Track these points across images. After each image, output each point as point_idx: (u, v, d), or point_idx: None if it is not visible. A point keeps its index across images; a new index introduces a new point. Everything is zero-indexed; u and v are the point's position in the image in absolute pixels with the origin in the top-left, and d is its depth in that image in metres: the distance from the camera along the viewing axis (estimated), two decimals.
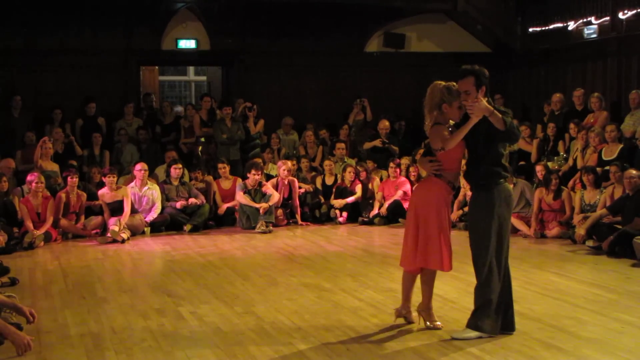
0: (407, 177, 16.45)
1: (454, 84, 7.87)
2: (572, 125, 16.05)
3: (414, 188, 8.69)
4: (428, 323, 8.20)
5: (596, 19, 18.24)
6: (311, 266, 11.97)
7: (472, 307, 9.19)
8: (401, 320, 8.28)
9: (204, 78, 25.22)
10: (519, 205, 14.60)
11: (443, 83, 7.99)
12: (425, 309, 8.25)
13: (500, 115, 7.47)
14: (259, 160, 16.63)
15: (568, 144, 16.14)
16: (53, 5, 18.18)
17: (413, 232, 8.12)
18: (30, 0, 17.92)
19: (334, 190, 16.55)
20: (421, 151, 15.84)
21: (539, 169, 15.05)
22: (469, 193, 15.41)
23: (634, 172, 12.74)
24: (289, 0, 19.16)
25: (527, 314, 8.78)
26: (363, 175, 16.57)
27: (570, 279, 10.81)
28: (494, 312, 7.82)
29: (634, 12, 17.16)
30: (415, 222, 8.08)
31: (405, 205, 16.05)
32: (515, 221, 14.43)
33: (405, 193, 16.14)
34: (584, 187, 13.96)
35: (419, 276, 8.28)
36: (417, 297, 8.31)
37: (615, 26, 17.74)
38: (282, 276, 11.21)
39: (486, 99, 7.70)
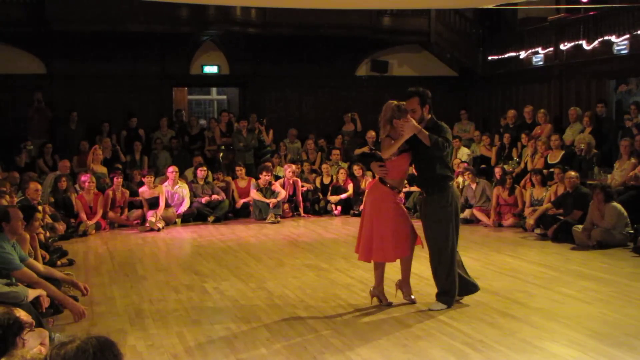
0: None
1: (404, 103, 7.86)
2: (523, 136, 16.05)
3: (366, 190, 8.55)
4: (404, 297, 8.17)
5: (542, 49, 18.27)
6: (312, 250, 11.99)
7: None
8: (376, 301, 8.18)
9: (224, 97, 25.16)
10: (481, 200, 14.60)
11: (395, 102, 7.93)
12: (404, 285, 8.20)
13: (426, 133, 7.48)
14: (269, 164, 16.64)
15: (520, 151, 16.15)
16: (103, 39, 18.18)
17: (367, 227, 8.03)
18: (84, 35, 17.91)
19: (330, 188, 16.53)
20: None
21: (497, 170, 15.07)
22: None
23: (573, 173, 12.77)
24: (293, 34, 19.14)
25: (487, 288, 8.79)
26: (359, 172, 16.50)
27: (522, 260, 10.84)
28: (455, 288, 7.94)
29: (572, 44, 17.18)
30: (368, 218, 8.03)
31: None
32: (477, 213, 14.51)
33: None
34: (533, 185, 13.96)
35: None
36: (397, 275, 8.32)
37: (558, 55, 17.78)
38: (288, 258, 11.25)
39: (430, 115, 7.83)
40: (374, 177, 16.44)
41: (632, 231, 11.62)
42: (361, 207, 15.85)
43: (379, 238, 7.86)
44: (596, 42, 16.47)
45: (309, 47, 19.88)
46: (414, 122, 7.52)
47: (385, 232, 7.85)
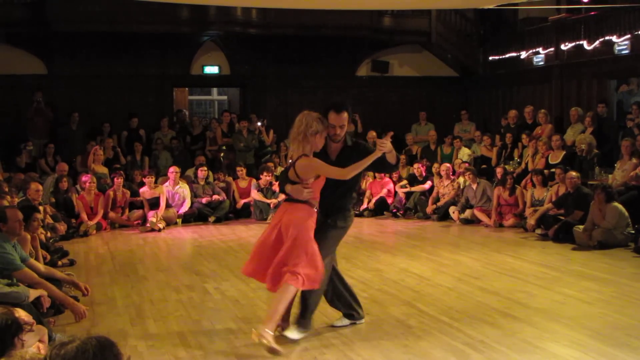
0: (390, 177, 16.47)
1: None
2: (524, 136, 16.05)
3: (282, 208, 6.94)
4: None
5: (543, 49, 18.30)
6: None
7: (444, 284, 9.31)
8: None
9: (225, 97, 25.22)
10: (482, 200, 14.61)
11: (315, 113, 6.81)
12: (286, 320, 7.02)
13: (395, 153, 6.87)
14: (270, 164, 16.64)
15: (521, 151, 16.15)
16: (103, 39, 18.23)
17: (275, 249, 6.70)
18: (85, 36, 17.95)
19: None
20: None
21: (498, 171, 15.10)
22: (442, 190, 15.69)
23: (574, 173, 12.79)
24: (294, 34, 19.17)
25: (487, 288, 8.84)
26: None
27: (523, 260, 10.84)
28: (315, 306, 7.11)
29: (573, 44, 17.20)
30: (279, 240, 6.68)
31: (389, 200, 16.15)
32: (478, 213, 14.51)
33: (389, 191, 16.19)
34: (533, 185, 13.98)
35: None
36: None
37: (558, 55, 17.81)
38: None
39: (353, 125, 7.92)
40: (374, 177, 16.62)
41: (633, 231, 11.62)
42: (363, 207, 16.05)
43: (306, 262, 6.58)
44: (597, 42, 16.49)
45: (310, 48, 19.92)
46: (389, 142, 6.68)
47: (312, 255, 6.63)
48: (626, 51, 15.77)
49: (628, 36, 15.66)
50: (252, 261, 6.91)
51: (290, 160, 6.95)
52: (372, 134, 18.28)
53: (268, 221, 14.94)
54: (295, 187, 6.63)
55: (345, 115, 6.84)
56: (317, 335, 7.08)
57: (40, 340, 5.37)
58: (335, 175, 6.70)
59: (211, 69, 20.49)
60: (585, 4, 16.20)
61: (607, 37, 16.21)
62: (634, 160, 13.21)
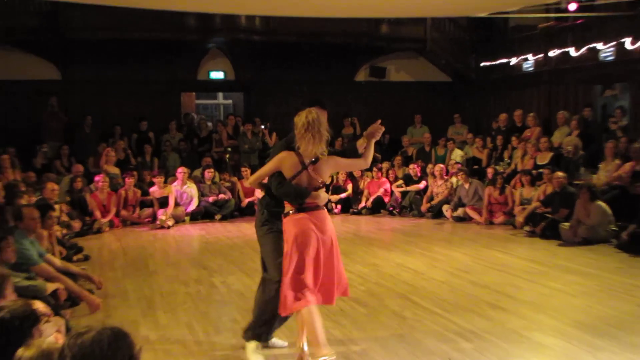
0: (387, 178, 16.54)
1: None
2: (514, 138, 16.12)
3: (307, 220, 5.58)
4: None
5: (532, 55, 18.34)
6: None
7: (437, 278, 9.37)
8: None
9: (230, 101, 25.16)
10: (473, 199, 14.66)
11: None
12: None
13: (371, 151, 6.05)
14: None
15: (511, 152, 16.19)
16: (114, 46, 18.25)
17: (328, 265, 5.77)
18: (97, 43, 17.99)
19: (330, 188, 16.58)
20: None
21: (489, 171, 15.16)
22: (436, 190, 15.75)
23: (560, 174, 12.86)
24: (295, 41, 19.19)
25: (477, 282, 8.92)
26: (358, 173, 16.58)
27: (511, 255, 10.92)
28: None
29: (560, 51, 17.24)
30: (327, 254, 5.76)
31: (386, 199, 16.20)
32: (470, 211, 14.58)
33: (385, 190, 16.24)
34: (522, 185, 14.04)
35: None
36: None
37: (547, 62, 17.85)
38: None
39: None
40: (372, 177, 16.67)
41: (615, 228, 11.69)
42: (361, 205, 16.10)
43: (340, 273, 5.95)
44: (584, 49, 16.53)
45: (310, 54, 19.92)
46: None
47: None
48: (611, 58, 15.81)
49: (613, 43, 15.69)
50: (317, 290, 5.68)
51: (305, 162, 5.68)
52: None
53: None
54: (317, 194, 5.66)
55: (324, 112, 6.00)
56: None
57: (57, 331, 5.42)
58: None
59: (217, 75, 20.49)
60: (572, 12, 16.22)
61: (592, 45, 16.24)
62: (617, 161, 13.28)
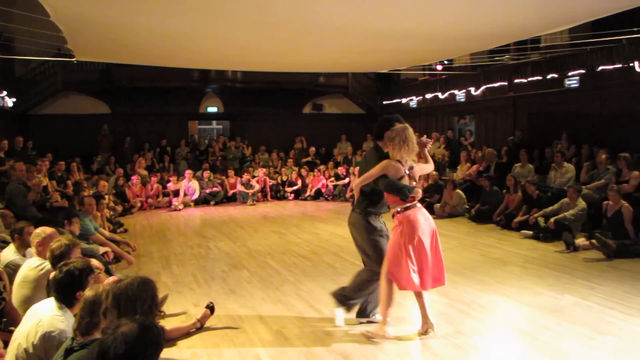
0: (324, 175, 16.49)
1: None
2: None
3: (417, 214, 4.62)
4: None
5: (415, 97, 18.52)
6: (275, 221, 11.95)
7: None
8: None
9: (220, 126, 24.80)
10: None
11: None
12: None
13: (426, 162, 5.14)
14: (251, 169, 16.56)
15: None
16: (147, 90, 17.98)
17: (435, 252, 4.77)
18: (135, 89, 17.72)
19: (286, 183, 16.54)
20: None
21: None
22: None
23: (434, 172, 12.87)
24: (264, 87, 19.10)
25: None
26: (305, 173, 16.52)
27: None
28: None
29: (432, 94, 17.42)
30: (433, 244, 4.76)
31: (323, 190, 16.14)
32: None
33: (323, 184, 16.09)
34: None
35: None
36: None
37: (425, 101, 17.98)
38: (261, 227, 11.20)
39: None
40: (314, 175, 16.63)
41: (467, 206, 11.89)
42: (307, 194, 16.08)
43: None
44: (447, 93, 16.76)
45: (274, 95, 19.78)
46: None
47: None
48: (463, 99, 16.06)
49: (464, 90, 15.95)
50: (430, 274, 4.68)
51: (407, 170, 4.72)
52: (312, 149, 18.40)
53: (247, 204, 14.90)
54: (417, 190, 4.68)
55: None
56: (279, 274, 7.12)
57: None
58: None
59: (212, 109, 20.14)
60: (439, 71, 16.44)
61: (452, 91, 16.48)
62: (468, 164, 13.48)
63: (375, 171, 4.71)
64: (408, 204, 4.66)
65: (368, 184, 4.81)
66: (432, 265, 4.66)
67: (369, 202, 4.94)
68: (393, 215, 4.76)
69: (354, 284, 5.09)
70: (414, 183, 4.76)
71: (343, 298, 5.11)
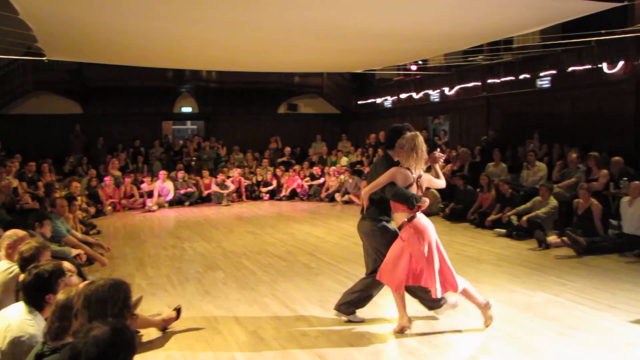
0: (299, 175, 16.48)
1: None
2: (379, 150, 16.21)
3: (425, 222, 4.68)
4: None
5: (390, 97, 18.62)
6: (250, 222, 11.89)
7: (332, 241, 9.32)
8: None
9: (195, 126, 24.62)
10: (355, 189, 14.76)
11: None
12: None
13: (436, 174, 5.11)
14: (225, 169, 16.47)
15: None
16: (119, 90, 17.80)
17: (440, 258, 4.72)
18: (107, 88, 17.52)
19: (261, 183, 16.48)
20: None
21: (366, 170, 15.26)
22: (331, 183, 15.86)
23: None
24: (238, 87, 19.03)
25: (358, 243, 8.78)
26: (280, 173, 16.50)
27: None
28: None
29: (407, 94, 17.55)
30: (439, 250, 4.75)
31: (298, 190, 16.14)
32: (352, 197, 14.57)
33: (298, 184, 16.09)
34: None
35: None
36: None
37: (399, 101, 18.12)
38: (236, 227, 11.14)
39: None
40: (289, 175, 16.61)
41: (442, 205, 11.98)
42: (282, 194, 16.05)
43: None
44: (421, 93, 16.90)
45: (249, 95, 19.74)
46: None
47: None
48: (437, 99, 16.21)
49: (438, 91, 16.11)
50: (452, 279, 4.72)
51: (415, 176, 4.68)
52: (288, 149, 18.38)
53: (222, 204, 14.80)
54: (425, 199, 4.67)
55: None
56: (254, 274, 7.10)
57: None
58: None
59: (186, 109, 20.04)
60: (414, 71, 16.56)
61: (426, 91, 16.63)
62: (442, 164, 13.57)
63: (383, 178, 4.66)
64: (413, 213, 4.63)
65: (376, 192, 4.78)
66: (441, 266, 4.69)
67: (380, 209, 4.90)
68: (400, 227, 4.71)
69: (358, 288, 5.10)
70: (421, 192, 4.73)
71: (347, 306, 5.11)
